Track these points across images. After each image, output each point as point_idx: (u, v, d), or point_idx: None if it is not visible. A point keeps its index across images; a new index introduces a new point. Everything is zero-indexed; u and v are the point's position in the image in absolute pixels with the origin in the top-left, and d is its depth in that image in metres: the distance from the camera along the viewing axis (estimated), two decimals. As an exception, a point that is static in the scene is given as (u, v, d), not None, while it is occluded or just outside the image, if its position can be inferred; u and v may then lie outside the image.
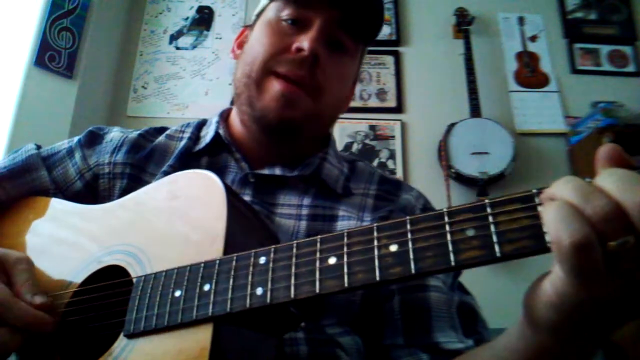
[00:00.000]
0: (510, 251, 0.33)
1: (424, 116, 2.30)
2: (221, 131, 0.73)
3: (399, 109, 2.32)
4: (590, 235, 0.29)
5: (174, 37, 2.52)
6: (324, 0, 0.66)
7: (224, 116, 0.78)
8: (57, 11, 2.11)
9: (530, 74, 2.36)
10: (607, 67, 2.37)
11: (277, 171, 0.69)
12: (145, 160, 0.73)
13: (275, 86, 0.64)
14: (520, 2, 2.51)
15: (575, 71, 2.37)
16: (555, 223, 0.30)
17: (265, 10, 0.72)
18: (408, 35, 2.48)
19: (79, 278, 0.57)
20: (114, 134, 0.77)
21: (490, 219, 0.34)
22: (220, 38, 2.50)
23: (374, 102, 2.35)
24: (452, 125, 2.15)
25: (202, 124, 0.79)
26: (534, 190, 0.34)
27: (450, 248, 0.35)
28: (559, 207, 0.30)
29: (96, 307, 0.54)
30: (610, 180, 0.30)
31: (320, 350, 0.57)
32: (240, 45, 0.76)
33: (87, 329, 0.54)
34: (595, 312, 0.32)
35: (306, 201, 0.68)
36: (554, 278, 0.32)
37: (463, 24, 2.34)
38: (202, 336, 0.42)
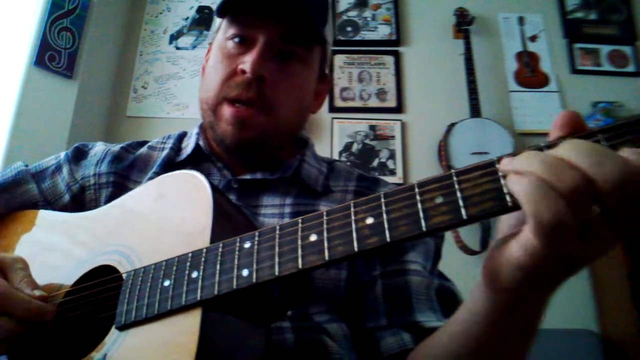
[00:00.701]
0: (475, 213, 0.36)
1: (424, 116, 2.30)
2: (201, 142, 0.75)
3: (399, 109, 2.32)
4: (568, 211, 0.31)
5: (174, 37, 2.52)
6: (264, 17, 0.67)
7: (204, 127, 0.80)
8: (57, 11, 2.11)
9: (530, 74, 2.36)
10: (607, 67, 2.37)
11: (259, 175, 0.71)
12: (128, 169, 0.75)
13: (226, 112, 0.67)
14: (520, 2, 2.51)
15: (575, 71, 2.37)
16: (534, 201, 0.32)
17: (219, 29, 0.74)
18: (408, 35, 2.48)
19: (70, 280, 0.58)
20: (98, 148, 0.79)
21: (456, 186, 0.37)
22: (220, 38, 2.50)
23: (374, 102, 2.35)
24: (452, 125, 2.15)
25: (182, 135, 0.81)
26: (494, 158, 0.37)
27: (421, 215, 0.38)
28: (534, 184, 0.32)
29: (87, 304, 0.55)
30: (578, 155, 0.32)
31: (306, 337, 0.59)
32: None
33: (80, 326, 0.55)
34: (555, 269, 0.35)
35: (288, 200, 0.70)
36: (523, 240, 0.35)
37: (463, 24, 2.34)
38: (192, 320, 0.44)
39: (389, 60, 2.41)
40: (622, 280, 1.75)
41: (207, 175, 0.73)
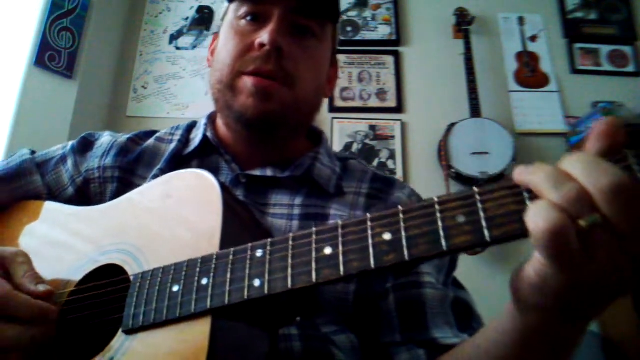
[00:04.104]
0: (499, 235, 0.34)
1: (424, 116, 2.30)
2: (209, 134, 0.73)
3: (399, 109, 2.32)
4: (564, 220, 0.31)
5: (174, 37, 2.52)
6: None
7: (212, 118, 0.78)
8: (57, 11, 2.11)
9: (530, 74, 2.36)
10: (607, 67, 2.37)
11: (269, 172, 0.69)
12: (134, 163, 0.73)
13: (247, 83, 0.64)
14: (520, 2, 2.51)
15: (575, 71, 2.36)
16: (531, 214, 0.32)
17: (227, 13, 0.72)
18: (408, 35, 2.48)
19: (75, 278, 0.57)
20: (104, 139, 0.77)
21: (479, 205, 0.35)
22: (220, 38, 2.49)
23: (374, 102, 2.34)
24: (452, 125, 2.15)
25: (192, 126, 0.79)
26: None
27: (442, 234, 0.36)
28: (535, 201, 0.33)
29: (94, 305, 0.54)
30: (575, 166, 0.33)
31: (314, 347, 0.57)
32: (213, 52, 0.76)
33: (85, 328, 0.54)
34: (577, 294, 0.34)
35: (298, 201, 0.67)
36: (534, 262, 0.35)
37: (463, 24, 2.34)
38: (201, 329, 0.43)
39: (389, 60, 2.41)
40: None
41: (215, 168, 0.71)
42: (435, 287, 0.64)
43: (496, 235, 0.34)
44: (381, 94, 2.36)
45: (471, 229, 0.35)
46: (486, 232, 0.34)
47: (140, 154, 0.74)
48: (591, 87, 2.32)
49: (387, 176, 0.76)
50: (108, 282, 0.54)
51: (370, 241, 0.39)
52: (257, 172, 0.69)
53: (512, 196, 0.35)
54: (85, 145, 0.77)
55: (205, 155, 0.73)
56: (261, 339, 0.48)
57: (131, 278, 0.51)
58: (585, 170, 0.32)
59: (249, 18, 0.67)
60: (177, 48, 2.50)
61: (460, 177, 2.09)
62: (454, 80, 2.29)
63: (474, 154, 2.08)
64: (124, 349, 0.47)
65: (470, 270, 1.97)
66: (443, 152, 2.11)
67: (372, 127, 2.29)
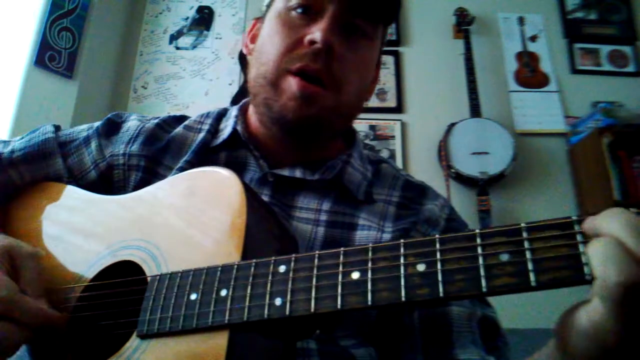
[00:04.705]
0: (547, 281, 0.31)
1: (424, 116, 2.30)
2: (239, 127, 0.69)
3: (399, 109, 2.32)
4: (638, 277, 0.29)
5: (174, 37, 2.52)
6: None
7: (243, 110, 0.74)
8: (57, 11, 2.11)
9: (530, 74, 2.36)
10: (607, 67, 2.37)
11: (298, 173, 0.66)
12: (161, 153, 0.70)
13: (291, 85, 0.60)
14: (520, 2, 2.51)
15: (575, 71, 2.37)
16: (602, 261, 0.29)
17: (273, 1, 0.68)
18: (408, 35, 2.48)
19: (90, 271, 0.56)
20: (131, 123, 0.75)
21: (526, 244, 0.32)
22: (220, 38, 2.50)
23: (374, 102, 2.34)
24: (452, 125, 2.15)
25: (222, 114, 0.76)
26: (573, 217, 0.33)
27: (482, 272, 0.33)
28: (607, 243, 0.30)
29: (109, 303, 0.53)
30: None
31: None
32: (254, 39, 0.71)
33: (99, 325, 0.54)
34: (631, 343, 0.32)
35: (325, 206, 0.65)
36: (591, 311, 0.32)
37: (463, 24, 2.34)
38: (217, 343, 0.42)
39: (389, 60, 2.41)
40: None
41: (243, 163, 0.68)
42: (463, 304, 0.61)
43: (543, 280, 0.31)
44: (381, 94, 2.36)
45: (515, 271, 0.32)
46: (532, 276, 0.31)
47: (168, 142, 0.71)
48: (591, 87, 2.32)
49: (419, 183, 0.72)
50: (124, 280, 0.53)
51: (402, 271, 0.36)
52: (285, 172, 0.66)
53: (564, 237, 0.32)
54: (111, 128, 0.74)
55: (233, 149, 0.70)
56: (279, 354, 0.46)
57: (148, 279, 0.50)
58: None
59: (300, 10, 0.63)
60: (177, 48, 2.50)
61: (460, 177, 2.09)
62: (454, 80, 2.30)
63: (474, 154, 2.08)
64: (138, 354, 0.46)
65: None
66: (443, 152, 2.11)
67: (372, 127, 2.29)
